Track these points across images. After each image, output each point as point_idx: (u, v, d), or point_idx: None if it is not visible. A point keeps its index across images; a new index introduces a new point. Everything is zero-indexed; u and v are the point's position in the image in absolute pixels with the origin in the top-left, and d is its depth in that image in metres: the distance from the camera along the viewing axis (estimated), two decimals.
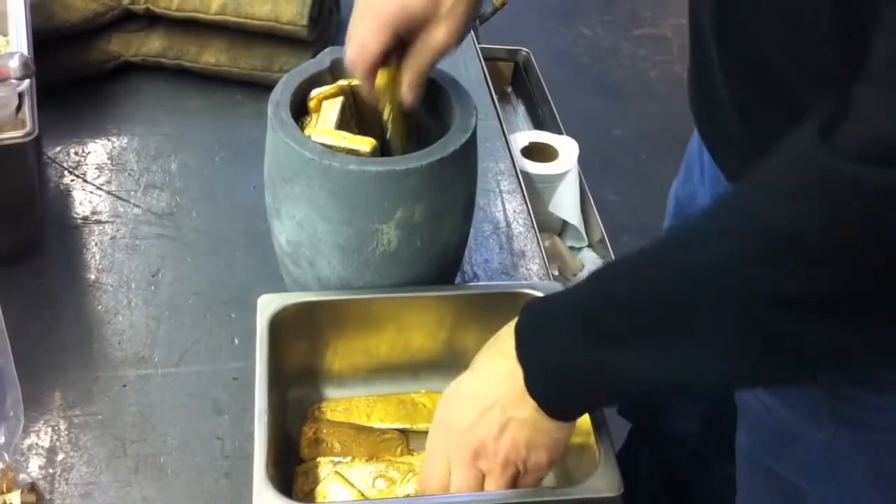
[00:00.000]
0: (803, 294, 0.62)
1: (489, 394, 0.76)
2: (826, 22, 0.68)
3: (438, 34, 0.86)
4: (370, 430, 0.93)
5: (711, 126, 0.95)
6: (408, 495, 0.87)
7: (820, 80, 0.71)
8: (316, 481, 0.88)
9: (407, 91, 0.89)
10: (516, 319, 0.77)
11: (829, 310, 0.62)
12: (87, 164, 1.21)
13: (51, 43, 1.20)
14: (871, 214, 0.58)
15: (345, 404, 0.95)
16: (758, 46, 0.78)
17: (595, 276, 0.76)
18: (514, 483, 0.78)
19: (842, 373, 0.87)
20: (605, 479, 0.80)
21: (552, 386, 0.74)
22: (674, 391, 0.80)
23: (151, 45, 1.32)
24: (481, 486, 0.78)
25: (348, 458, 0.90)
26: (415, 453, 0.92)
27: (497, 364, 0.76)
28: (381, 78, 0.89)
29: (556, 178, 1.71)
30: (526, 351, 0.74)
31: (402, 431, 0.94)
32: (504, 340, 0.77)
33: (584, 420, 0.85)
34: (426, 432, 0.91)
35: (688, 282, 0.67)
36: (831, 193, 0.59)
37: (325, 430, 0.92)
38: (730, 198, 0.69)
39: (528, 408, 0.74)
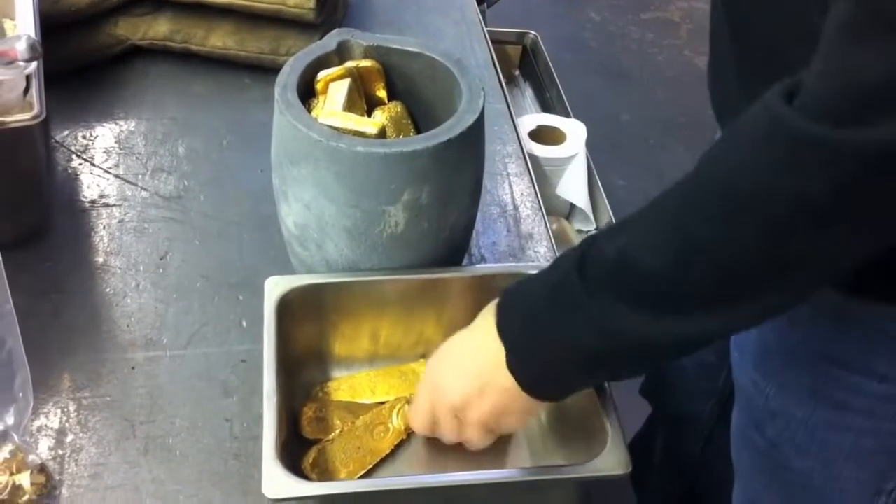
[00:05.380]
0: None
1: (475, 361, 0.81)
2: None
3: None
4: (369, 405, 0.94)
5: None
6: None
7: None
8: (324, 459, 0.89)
9: None
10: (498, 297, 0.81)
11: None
12: (94, 148, 1.21)
13: (58, 27, 1.21)
14: (814, 168, 0.61)
15: (348, 382, 0.96)
16: (767, 40, 0.78)
17: (559, 256, 0.79)
18: (489, 436, 0.85)
19: (827, 354, 0.89)
20: (613, 458, 0.80)
21: (527, 365, 0.78)
22: (648, 360, 0.82)
23: (159, 28, 1.32)
24: (461, 433, 0.85)
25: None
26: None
27: (486, 334, 0.80)
28: None
29: (564, 161, 1.71)
30: (504, 331, 0.79)
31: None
32: (493, 313, 0.81)
33: (593, 401, 0.85)
34: None
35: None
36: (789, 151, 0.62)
37: (325, 409, 0.92)
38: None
39: (507, 380, 0.79)
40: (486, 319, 0.81)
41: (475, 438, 0.84)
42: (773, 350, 0.95)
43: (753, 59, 0.83)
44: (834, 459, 0.93)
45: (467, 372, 0.81)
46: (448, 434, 0.85)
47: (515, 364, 0.78)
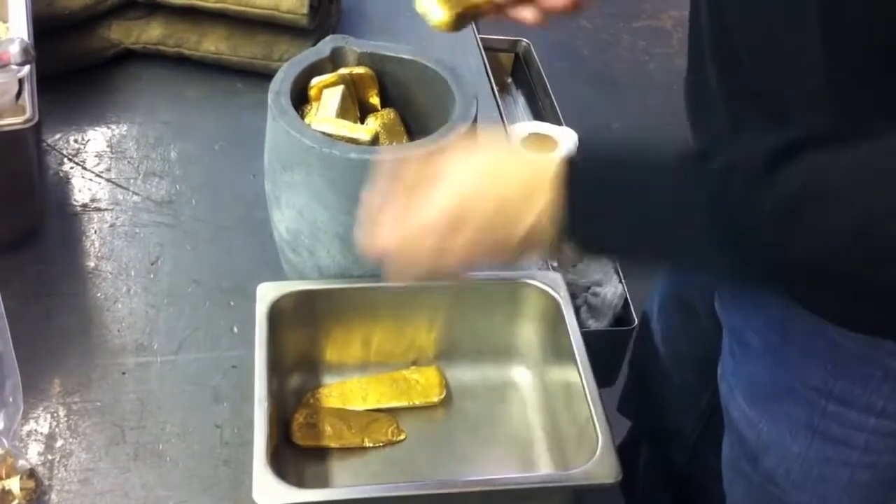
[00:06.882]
0: None
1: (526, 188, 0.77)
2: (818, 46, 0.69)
3: None
4: (360, 412, 0.94)
5: (706, 136, 0.94)
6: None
7: (802, 95, 0.72)
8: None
9: None
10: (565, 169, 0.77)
11: None
12: (86, 152, 1.21)
13: (51, 30, 1.20)
14: None
15: (339, 389, 0.96)
16: (744, 54, 0.78)
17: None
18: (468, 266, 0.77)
19: (823, 389, 0.88)
20: (603, 466, 0.80)
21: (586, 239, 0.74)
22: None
23: (152, 32, 1.32)
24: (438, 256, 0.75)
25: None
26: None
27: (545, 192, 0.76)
28: None
29: None
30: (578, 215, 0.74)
31: (394, 410, 0.95)
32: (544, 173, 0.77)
33: (583, 409, 0.85)
34: (421, 407, 0.94)
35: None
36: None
37: (315, 415, 0.92)
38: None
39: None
40: (545, 175, 0.77)
41: (456, 264, 0.75)
42: (767, 384, 0.93)
43: (735, 74, 0.83)
44: (831, 493, 0.92)
45: (509, 190, 0.76)
46: (424, 256, 0.74)
47: (573, 232, 0.72)
